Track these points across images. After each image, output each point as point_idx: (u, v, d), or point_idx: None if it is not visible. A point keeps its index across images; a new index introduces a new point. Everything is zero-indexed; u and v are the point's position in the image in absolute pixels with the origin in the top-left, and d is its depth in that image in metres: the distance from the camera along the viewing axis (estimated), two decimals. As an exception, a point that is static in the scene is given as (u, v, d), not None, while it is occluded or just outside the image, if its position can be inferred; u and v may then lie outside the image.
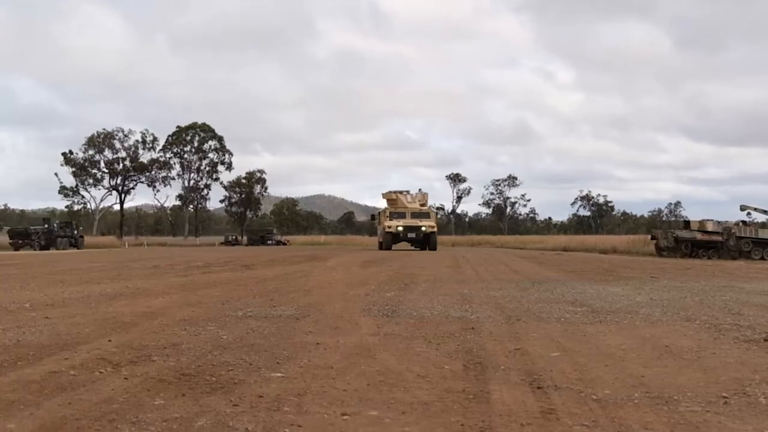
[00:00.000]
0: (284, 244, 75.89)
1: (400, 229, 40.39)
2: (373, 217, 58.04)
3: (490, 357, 5.61)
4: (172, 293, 10.94)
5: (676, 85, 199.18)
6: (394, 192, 45.02)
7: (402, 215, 41.64)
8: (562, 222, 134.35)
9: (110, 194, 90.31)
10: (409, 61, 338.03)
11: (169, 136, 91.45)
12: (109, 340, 6.25)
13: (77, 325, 7.25)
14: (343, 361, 5.39)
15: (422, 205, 44.73)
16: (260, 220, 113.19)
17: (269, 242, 75.68)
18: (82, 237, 57.31)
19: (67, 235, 53.98)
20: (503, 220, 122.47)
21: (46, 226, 53.77)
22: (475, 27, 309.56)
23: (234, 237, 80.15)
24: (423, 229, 40.71)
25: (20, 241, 50.30)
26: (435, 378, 4.82)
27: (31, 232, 52.12)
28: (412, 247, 42.01)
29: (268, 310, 8.59)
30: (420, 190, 45.56)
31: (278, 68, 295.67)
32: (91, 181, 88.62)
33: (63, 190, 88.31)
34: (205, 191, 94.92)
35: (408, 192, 45.43)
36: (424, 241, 40.80)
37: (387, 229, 40.42)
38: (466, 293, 10.96)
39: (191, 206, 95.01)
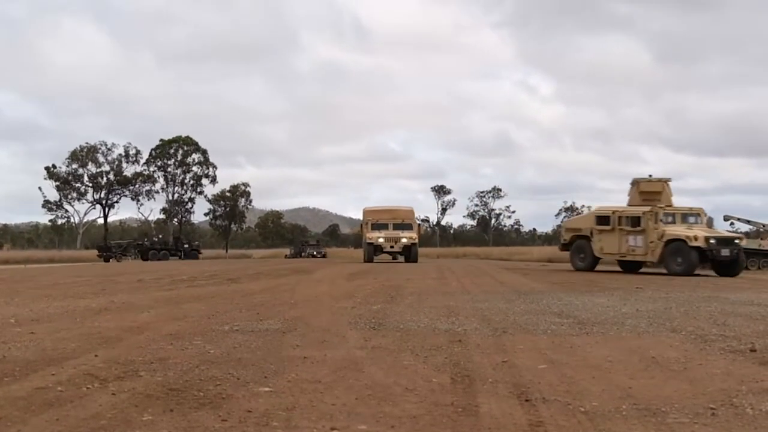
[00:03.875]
0: (314, 256, 67.11)
1: (713, 242, 23.44)
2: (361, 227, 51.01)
3: (477, 370, 5.62)
4: (158, 307, 10.89)
5: (656, 98, 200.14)
6: (659, 179, 26.63)
7: (672, 217, 25.00)
8: (546, 233, 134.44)
9: (94, 208, 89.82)
10: (392, 74, 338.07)
11: (152, 149, 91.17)
12: (96, 356, 6.22)
13: (63, 340, 7.21)
14: (331, 375, 5.39)
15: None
16: (244, 233, 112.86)
17: (303, 254, 69.44)
18: (194, 250, 62.63)
19: (168, 248, 60.09)
20: (488, 232, 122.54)
21: (145, 240, 62.11)
22: (456, 41, 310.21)
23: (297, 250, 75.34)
24: (736, 242, 24.55)
25: (104, 254, 57.80)
26: (423, 391, 4.83)
27: (111, 245, 60.41)
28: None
29: (254, 324, 8.56)
30: (650, 175, 27.11)
31: (262, 82, 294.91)
32: (74, 195, 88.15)
33: (47, 204, 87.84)
34: (190, 204, 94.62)
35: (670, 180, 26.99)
36: (732, 265, 23.95)
37: (691, 242, 23.42)
38: (452, 305, 10.96)
39: (175, 219, 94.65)
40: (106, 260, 55.60)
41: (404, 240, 37.75)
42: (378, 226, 38.54)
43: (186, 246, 62.83)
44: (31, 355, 6.32)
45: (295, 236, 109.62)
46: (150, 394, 4.71)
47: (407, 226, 38.78)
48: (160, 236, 67.48)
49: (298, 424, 4.01)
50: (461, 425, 3.99)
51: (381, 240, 37.70)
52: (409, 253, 38.08)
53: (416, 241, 38.48)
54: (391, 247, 37.93)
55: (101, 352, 6.41)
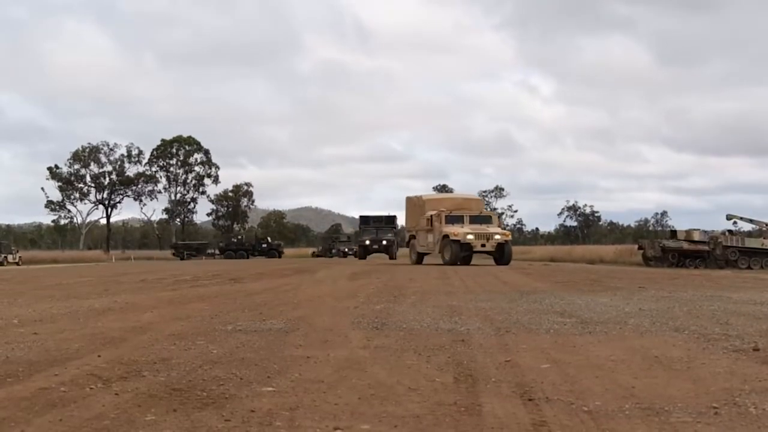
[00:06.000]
0: (346, 253, 65.10)
1: None
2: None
3: (480, 369, 5.62)
4: (161, 308, 10.90)
5: (657, 98, 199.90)
6: None
7: None
8: (549, 232, 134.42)
9: (97, 208, 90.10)
10: (393, 75, 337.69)
11: (154, 149, 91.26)
12: (99, 356, 6.23)
13: (66, 340, 7.22)
14: (334, 375, 5.39)
15: None
16: (248, 233, 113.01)
17: (332, 252, 67.31)
18: (274, 249, 66.78)
19: (246, 248, 65.54)
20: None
21: (221, 241, 70.20)
22: (457, 42, 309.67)
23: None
24: None
25: (176, 252, 66.43)
26: (426, 391, 4.82)
27: (179, 245, 69.54)
28: None
29: (257, 324, 8.56)
30: None
31: (264, 83, 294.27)
32: (77, 195, 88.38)
33: (49, 205, 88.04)
34: (192, 204, 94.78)
35: None
36: None
37: None
38: (455, 305, 10.95)
39: (178, 220, 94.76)
40: (182, 259, 62.41)
41: (497, 237, 30.53)
42: (453, 219, 30.96)
43: (265, 246, 66.61)
44: (34, 355, 6.33)
45: (298, 234, 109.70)
46: (153, 394, 4.71)
47: (487, 219, 32.01)
48: (239, 237, 72.76)
49: (301, 423, 4.01)
50: (464, 425, 3.99)
51: (470, 237, 29.98)
52: (502, 253, 30.82)
53: (509, 238, 31.69)
54: (482, 245, 30.52)
55: (104, 353, 6.41)
